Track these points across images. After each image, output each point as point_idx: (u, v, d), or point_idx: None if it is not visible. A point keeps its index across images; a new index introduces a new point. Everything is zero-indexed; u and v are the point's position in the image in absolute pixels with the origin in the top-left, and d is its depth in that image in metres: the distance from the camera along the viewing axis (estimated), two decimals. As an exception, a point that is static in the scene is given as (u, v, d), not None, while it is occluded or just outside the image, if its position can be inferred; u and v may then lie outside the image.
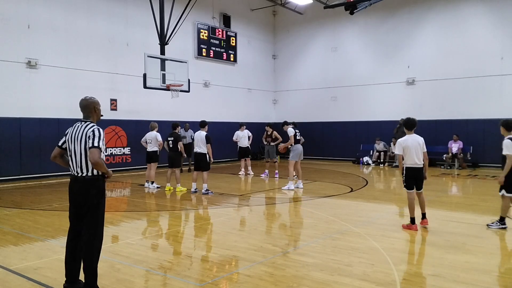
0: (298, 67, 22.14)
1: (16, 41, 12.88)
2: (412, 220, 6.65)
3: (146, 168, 11.88)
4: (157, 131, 11.48)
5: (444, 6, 17.50)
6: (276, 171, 13.87)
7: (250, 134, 14.78)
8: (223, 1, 20.06)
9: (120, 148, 15.61)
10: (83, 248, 3.86)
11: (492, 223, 6.74)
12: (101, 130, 3.92)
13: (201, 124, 10.46)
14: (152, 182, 11.39)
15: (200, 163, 10.36)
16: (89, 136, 3.81)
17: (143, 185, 11.70)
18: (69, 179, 4.04)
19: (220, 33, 19.71)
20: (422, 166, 6.62)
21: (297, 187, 11.12)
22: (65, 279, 4.02)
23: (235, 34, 20.50)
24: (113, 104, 15.45)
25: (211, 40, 19.28)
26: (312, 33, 21.49)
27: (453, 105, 17.10)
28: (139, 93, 15.29)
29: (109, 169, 3.98)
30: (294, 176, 11.13)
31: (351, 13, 16.27)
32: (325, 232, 6.44)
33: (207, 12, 19.19)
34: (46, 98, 13.55)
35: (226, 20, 20.11)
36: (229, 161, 19.57)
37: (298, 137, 11.14)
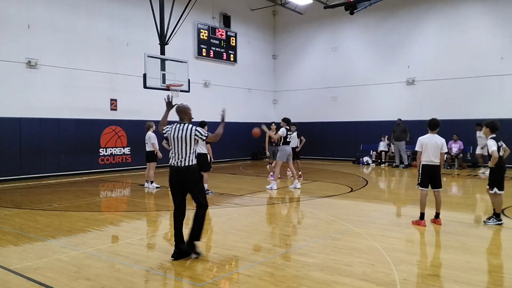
0: (298, 67, 22.13)
1: (16, 41, 12.88)
2: (422, 216, 6.78)
3: (146, 168, 11.86)
4: (153, 131, 11.43)
5: (444, 6, 17.49)
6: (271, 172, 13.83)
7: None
8: (223, 1, 20.05)
9: (120, 148, 15.60)
10: (195, 212, 5.21)
11: (489, 219, 6.86)
12: (196, 126, 5.26)
13: (201, 125, 10.43)
14: (152, 182, 11.40)
15: (201, 164, 10.35)
16: (196, 134, 5.13)
17: (143, 185, 11.70)
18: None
19: (220, 33, 19.71)
20: (438, 164, 6.79)
21: (295, 187, 11.14)
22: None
23: (235, 34, 20.49)
24: (113, 104, 15.43)
25: (211, 40, 19.27)
26: (312, 33, 21.48)
27: (453, 105, 17.09)
28: (139, 93, 15.27)
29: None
30: (294, 177, 11.15)
31: (351, 13, 16.27)
32: (325, 232, 6.44)
33: (207, 12, 19.18)
34: (46, 98, 13.54)
35: (226, 20, 20.10)
36: (229, 161, 19.57)
37: (288, 140, 11.24)
